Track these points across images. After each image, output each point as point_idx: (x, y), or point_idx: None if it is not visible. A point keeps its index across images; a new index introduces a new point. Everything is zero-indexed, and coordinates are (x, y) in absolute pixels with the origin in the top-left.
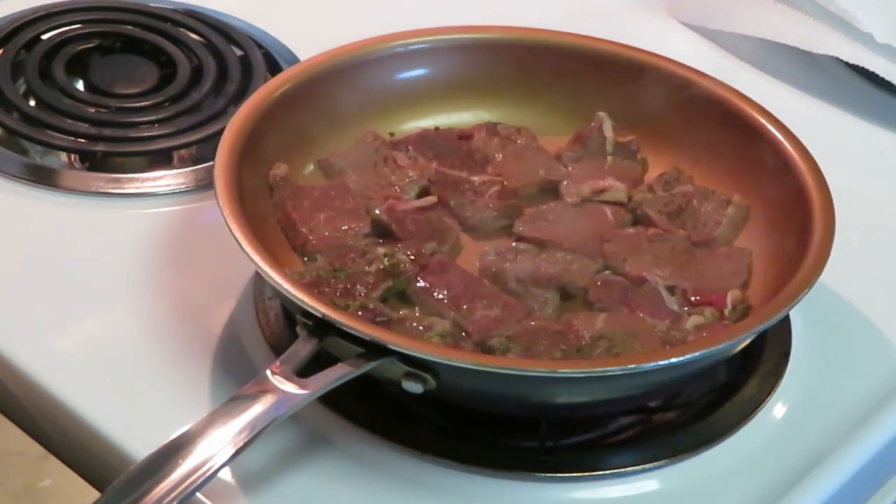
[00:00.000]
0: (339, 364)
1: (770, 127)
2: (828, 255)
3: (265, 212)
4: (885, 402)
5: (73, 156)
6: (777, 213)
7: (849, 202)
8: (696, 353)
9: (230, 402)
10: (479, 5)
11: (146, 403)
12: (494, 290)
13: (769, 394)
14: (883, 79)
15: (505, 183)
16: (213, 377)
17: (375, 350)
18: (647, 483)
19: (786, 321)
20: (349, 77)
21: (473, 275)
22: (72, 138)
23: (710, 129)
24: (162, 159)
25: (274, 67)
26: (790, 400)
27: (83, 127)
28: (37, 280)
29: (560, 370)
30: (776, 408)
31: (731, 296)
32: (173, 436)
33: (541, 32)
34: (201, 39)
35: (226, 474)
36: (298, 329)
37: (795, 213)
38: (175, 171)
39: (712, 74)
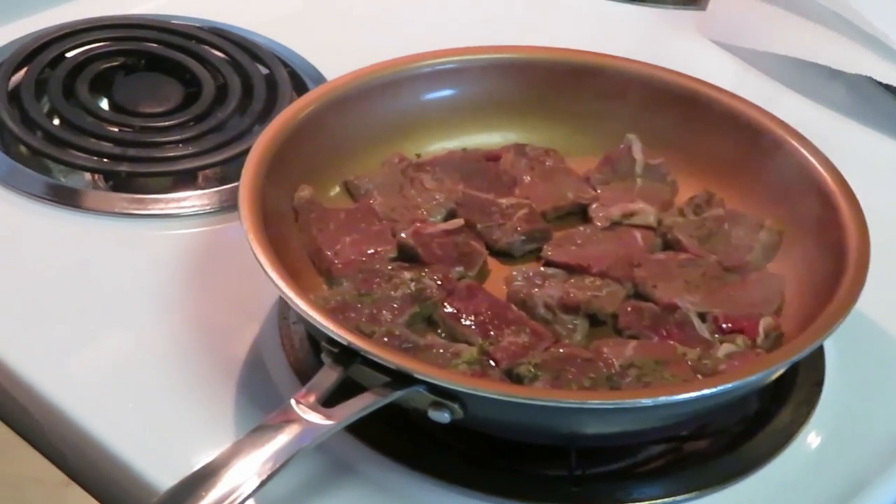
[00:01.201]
0: (365, 393)
1: (802, 149)
2: (863, 281)
3: (290, 234)
4: None
5: (96, 176)
6: (810, 238)
7: (884, 225)
8: (729, 385)
9: (255, 432)
10: (507, 25)
11: (169, 430)
12: (522, 316)
13: (802, 423)
14: None
15: (533, 206)
16: (237, 404)
17: (402, 379)
18: None
19: (819, 350)
20: (376, 97)
21: (501, 300)
22: (95, 158)
23: (742, 152)
24: (186, 180)
25: (300, 86)
26: (824, 430)
27: (107, 146)
28: (58, 302)
29: (589, 401)
30: (810, 438)
31: (764, 323)
32: (198, 466)
33: (569, 53)
34: (226, 57)
35: None
36: (323, 356)
37: (829, 238)
38: (199, 191)
39: (743, 94)
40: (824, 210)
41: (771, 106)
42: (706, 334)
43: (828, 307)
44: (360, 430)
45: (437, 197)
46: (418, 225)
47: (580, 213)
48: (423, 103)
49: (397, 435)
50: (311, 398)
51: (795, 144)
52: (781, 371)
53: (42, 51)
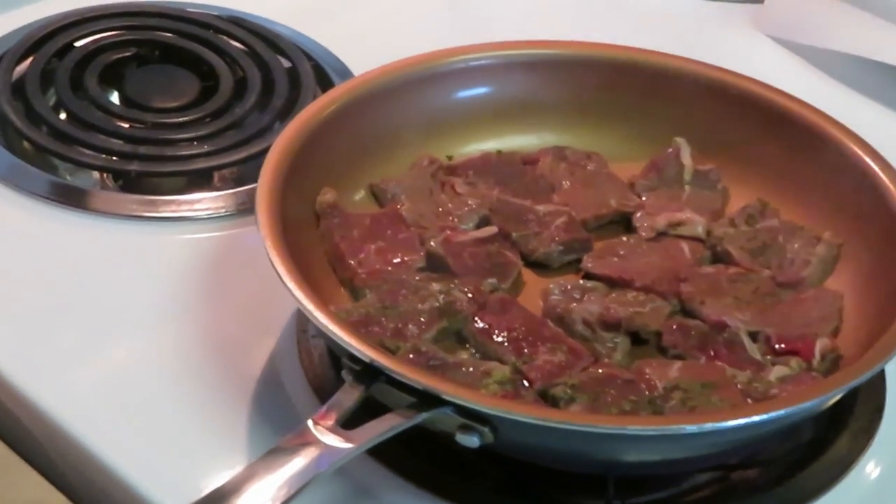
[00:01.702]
0: (388, 414)
1: (865, 157)
2: None
3: (310, 241)
4: None
5: (105, 175)
6: (872, 253)
7: None
8: (782, 411)
9: (269, 455)
10: (547, 19)
11: (178, 450)
12: (559, 332)
13: (861, 452)
14: None
15: (572, 213)
16: (251, 423)
17: (428, 400)
18: None
19: (880, 373)
20: (405, 95)
21: (536, 315)
22: (104, 156)
23: (799, 159)
24: (201, 180)
25: (324, 81)
26: (885, 459)
27: (117, 144)
28: (61, 311)
29: (630, 427)
30: (868, 468)
31: (820, 344)
32: (207, 490)
33: (614, 49)
34: (245, 49)
35: None
36: (344, 374)
37: (892, 253)
38: (215, 193)
39: (802, 96)
40: (887, 222)
41: (831, 109)
42: (757, 355)
43: (891, 328)
44: (383, 453)
45: (470, 203)
46: (449, 233)
47: (623, 223)
48: (455, 102)
49: (422, 459)
50: (331, 419)
51: (858, 151)
52: (839, 397)
53: (48, 40)
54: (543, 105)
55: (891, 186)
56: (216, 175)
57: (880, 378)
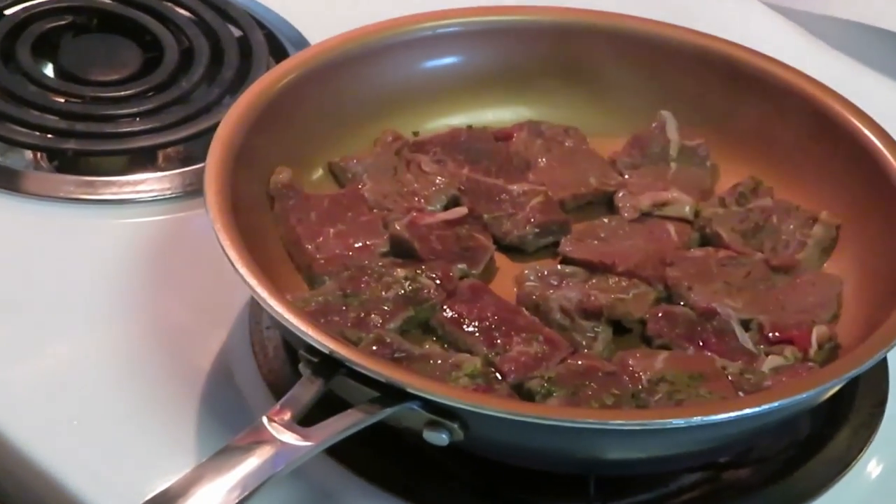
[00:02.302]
0: (349, 410)
1: (865, 131)
2: None
3: (264, 225)
4: None
5: (39, 154)
6: (872, 235)
7: None
8: (776, 403)
9: (220, 455)
10: None
11: (121, 453)
12: (535, 321)
13: (861, 449)
14: None
15: (549, 193)
16: (200, 422)
17: (393, 394)
18: None
19: (882, 364)
20: (367, 65)
21: (510, 303)
22: (38, 133)
23: (794, 133)
24: (144, 160)
25: (278, 52)
26: (887, 457)
27: (51, 120)
28: None
29: (612, 421)
30: (870, 466)
31: (817, 332)
32: (153, 494)
33: (594, 15)
34: (192, 17)
35: None
36: (301, 367)
37: (894, 236)
38: (159, 173)
39: (798, 65)
40: (889, 200)
41: (830, 79)
42: (750, 345)
43: (892, 314)
44: (343, 453)
45: (438, 182)
46: (415, 214)
47: (604, 203)
48: (422, 73)
49: (386, 459)
50: (287, 416)
51: (858, 124)
52: (837, 388)
53: None
54: (517, 76)
55: (893, 162)
56: (161, 154)
57: (882, 368)
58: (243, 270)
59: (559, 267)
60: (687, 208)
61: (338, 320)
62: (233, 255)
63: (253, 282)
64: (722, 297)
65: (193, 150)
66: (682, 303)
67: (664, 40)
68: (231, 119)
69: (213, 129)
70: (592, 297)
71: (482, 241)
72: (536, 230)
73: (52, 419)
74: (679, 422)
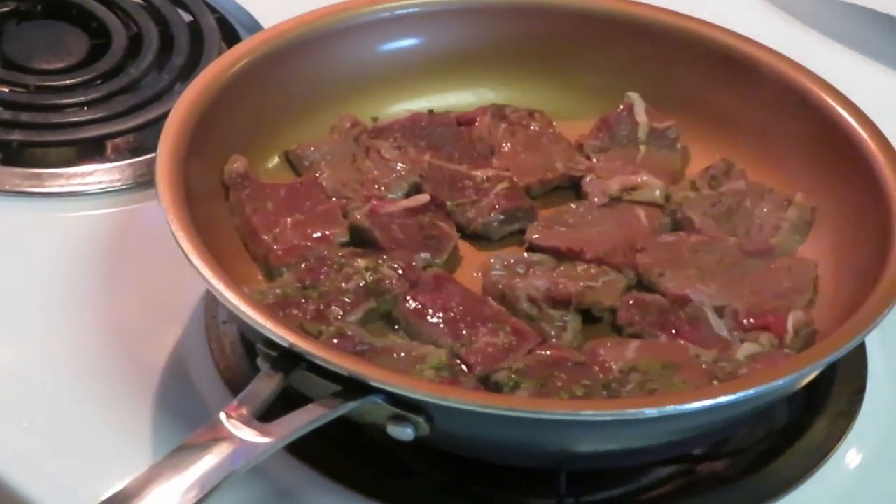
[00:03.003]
0: (310, 405)
1: (840, 110)
2: None
3: (219, 216)
4: None
5: None
6: (848, 216)
7: None
8: (751, 391)
9: (176, 454)
10: None
11: (74, 452)
12: (501, 311)
13: (840, 438)
14: None
15: (514, 179)
16: (155, 421)
17: (355, 387)
18: None
19: (860, 349)
20: (323, 49)
21: (475, 293)
22: None
23: (768, 113)
24: (92, 150)
25: (230, 36)
26: (866, 446)
27: None
28: None
29: (582, 412)
30: (849, 456)
31: (793, 318)
32: (107, 495)
33: None
34: (140, 1)
35: None
36: (260, 361)
37: (871, 217)
38: (108, 164)
39: (771, 43)
40: (866, 182)
41: (809, 61)
42: (724, 332)
43: (870, 297)
44: (305, 449)
45: (398, 169)
46: (375, 203)
47: (571, 188)
48: (380, 56)
49: (350, 456)
50: (245, 411)
51: (831, 103)
52: (814, 375)
53: None
54: (480, 57)
55: (869, 143)
56: (109, 144)
57: (860, 354)
58: (198, 263)
59: (526, 255)
60: (657, 192)
61: (297, 313)
62: (187, 247)
63: (208, 274)
64: (695, 283)
65: (144, 140)
66: (653, 290)
67: (631, 19)
68: (182, 107)
69: (163, 117)
70: (561, 286)
71: (445, 229)
72: (502, 217)
73: (2, 419)
74: (651, 411)
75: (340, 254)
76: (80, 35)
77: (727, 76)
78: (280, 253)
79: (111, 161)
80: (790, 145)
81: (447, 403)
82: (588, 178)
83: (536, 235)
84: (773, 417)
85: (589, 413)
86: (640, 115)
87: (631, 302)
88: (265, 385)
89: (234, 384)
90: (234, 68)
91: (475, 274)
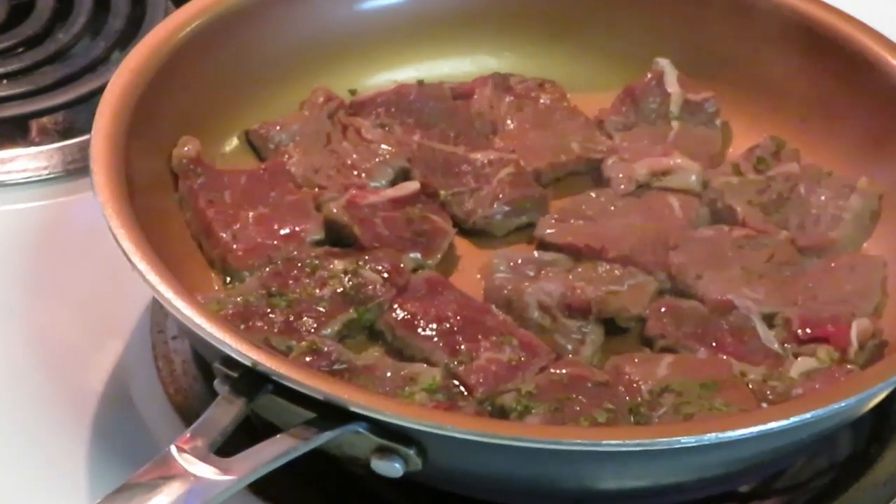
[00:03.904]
0: (278, 436)
1: None
2: None
3: (167, 209)
4: None
5: None
6: None
7: None
8: (807, 415)
9: (118, 494)
10: None
11: None
12: (507, 322)
13: None
14: None
15: (521, 162)
16: (92, 455)
17: (332, 414)
18: None
19: None
20: (289, 8)
21: (476, 300)
22: None
23: (826, 83)
24: (13, 132)
25: None
26: None
27: None
28: None
29: (605, 441)
30: None
31: (858, 327)
32: None
33: None
34: None
35: None
36: (217, 384)
37: None
38: (33, 149)
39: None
40: None
41: (871, 16)
42: (775, 345)
43: None
44: (272, 488)
45: (382, 152)
46: (354, 193)
47: (590, 173)
48: (359, 16)
49: (324, 497)
50: (200, 444)
51: None
52: (883, 395)
53: None
54: (480, 16)
55: None
56: (34, 125)
57: None
58: (142, 265)
59: (536, 254)
60: (693, 178)
61: (262, 326)
62: (128, 246)
63: (155, 279)
64: (739, 286)
65: (76, 120)
66: (689, 295)
67: None
68: (121, 79)
69: (99, 92)
70: (578, 291)
71: (439, 223)
72: (506, 209)
73: None
74: (689, 440)
75: (313, 254)
76: None
77: (775, 38)
78: (241, 253)
79: (36, 145)
80: (853, 120)
81: (443, 432)
82: (610, 162)
83: (549, 231)
84: (835, 447)
85: (613, 443)
86: (672, 84)
87: (663, 310)
88: (224, 412)
89: (187, 411)
90: (183, 32)
91: (476, 277)
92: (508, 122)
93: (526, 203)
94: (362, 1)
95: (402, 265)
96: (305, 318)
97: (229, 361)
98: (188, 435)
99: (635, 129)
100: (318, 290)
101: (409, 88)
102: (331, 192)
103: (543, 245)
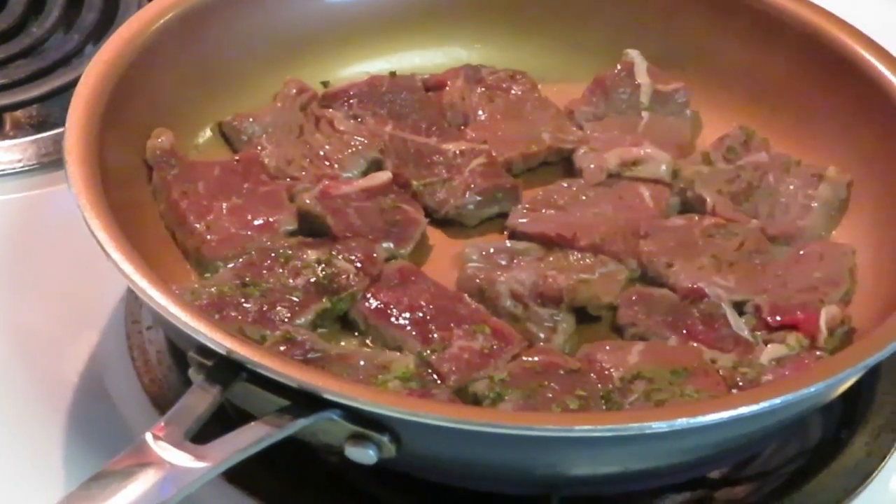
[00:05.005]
0: (252, 423)
1: (884, 69)
2: None
3: (142, 200)
4: None
5: None
6: (892, 195)
7: None
8: (778, 400)
9: (94, 482)
10: None
11: None
12: (479, 310)
13: (884, 457)
14: None
15: (493, 153)
16: (68, 444)
17: (306, 402)
18: None
19: None
20: (262, 0)
21: (448, 289)
22: None
23: (795, 73)
24: None
25: None
26: None
27: None
28: None
29: (577, 427)
30: (895, 478)
31: (827, 314)
32: None
33: None
34: None
35: None
36: (192, 373)
37: None
38: (7, 142)
39: None
40: None
41: (840, 8)
42: (745, 332)
43: None
44: (246, 476)
45: (354, 143)
46: (327, 183)
47: (561, 163)
48: (331, 7)
49: (299, 484)
50: (175, 432)
51: (873, 61)
52: (852, 381)
53: None
54: (450, 9)
55: None
56: (8, 118)
57: None
58: (117, 256)
59: (508, 243)
60: (663, 167)
61: (236, 315)
62: (103, 237)
63: (129, 269)
64: (710, 274)
65: (50, 112)
66: (660, 283)
67: None
68: (95, 72)
69: (72, 85)
70: (550, 279)
71: (411, 213)
72: (478, 198)
73: None
74: (660, 425)
75: (287, 244)
76: None
77: (746, 29)
78: (214, 244)
79: (10, 138)
80: (821, 110)
81: (416, 419)
82: (581, 152)
83: (520, 220)
84: (805, 433)
85: (585, 428)
86: (642, 75)
87: (634, 297)
88: (199, 400)
89: (162, 400)
90: (156, 25)
91: (448, 266)
92: (480, 112)
93: (497, 193)
94: None
95: (374, 255)
96: (279, 308)
97: (204, 350)
98: (163, 423)
99: (606, 120)
100: (291, 280)
101: (381, 80)
102: (304, 183)
103: (515, 234)
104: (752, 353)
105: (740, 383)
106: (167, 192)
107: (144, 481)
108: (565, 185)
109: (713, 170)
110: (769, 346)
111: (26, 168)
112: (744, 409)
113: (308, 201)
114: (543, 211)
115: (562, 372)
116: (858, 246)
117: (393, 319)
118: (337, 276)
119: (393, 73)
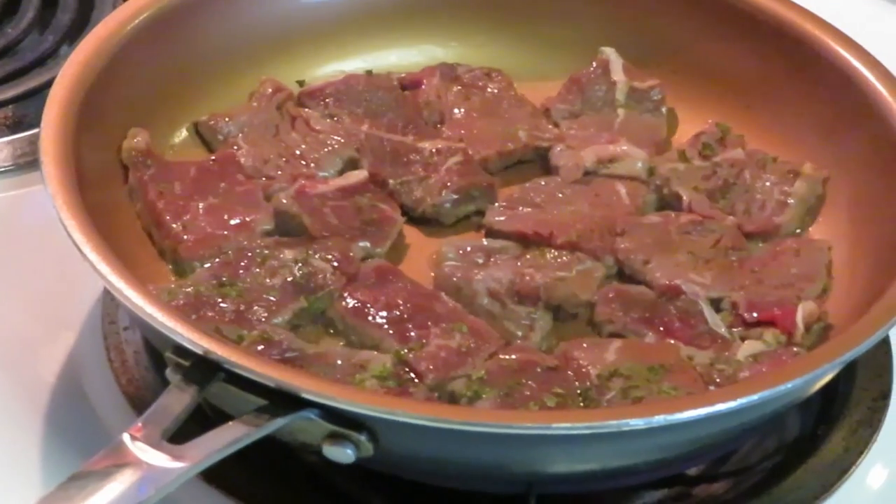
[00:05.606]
0: (230, 423)
1: (860, 66)
2: None
3: (118, 201)
4: None
5: None
6: (866, 190)
7: None
8: (754, 397)
9: (71, 483)
10: None
11: None
12: (456, 309)
13: (861, 453)
14: None
15: (469, 151)
16: (44, 445)
17: (284, 401)
18: None
19: (884, 346)
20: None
21: (425, 288)
22: None
23: (770, 69)
24: None
25: None
26: (892, 460)
27: None
28: None
29: (555, 425)
30: (872, 473)
31: (803, 310)
32: None
33: None
34: None
35: None
36: (169, 373)
37: (894, 190)
38: None
39: None
40: (886, 147)
41: (814, 3)
42: (722, 329)
43: (893, 284)
44: (224, 476)
45: (331, 142)
46: (303, 182)
47: (537, 161)
48: (306, 7)
49: (277, 484)
50: (153, 432)
51: (848, 57)
52: (829, 377)
53: None
54: (426, 7)
55: (891, 102)
56: None
57: (883, 352)
58: (93, 256)
59: (485, 241)
60: (639, 164)
61: (213, 315)
62: (79, 237)
63: (105, 269)
64: (686, 271)
65: (25, 113)
66: (637, 280)
67: None
68: (70, 72)
69: (48, 85)
70: (527, 277)
71: (388, 212)
72: (455, 197)
73: None
74: (637, 422)
75: (263, 244)
76: None
77: (722, 27)
78: (191, 244)
79: None
80: (797, 106)
81: (394, 418)
82: (557, 150)
83: (497, 218)
84: (782, 429)
85: (563, 426)
86: (618, 73)
87: (611, 295)
88: (176, 400)
89: (139, 400)
90: (132, 25)
91: (425, 265)
92: (456, 111)
93: (474, 191)
94: None
95: (351, 254)
96: (256, 308)
97: (181, 350)
98: (140, 423)
99: (582, 118)
100: (268, 280)
101: (357, 79)
102: (280, 183)
103: (492, 233)
104: (730, 349)
105: (717, 380)
106: (143, 193)
107: (122, 482)
108: (542, 182)
109: (689, 167)
110: (746, 342)
111: (2, 169)
112: (721, 406)
113: (284, 201)
114: (520, 209)
115: (539, 370)
116: (835, 242)
117: (370, 318)
118: (314, 276)
119: (369, 72)
